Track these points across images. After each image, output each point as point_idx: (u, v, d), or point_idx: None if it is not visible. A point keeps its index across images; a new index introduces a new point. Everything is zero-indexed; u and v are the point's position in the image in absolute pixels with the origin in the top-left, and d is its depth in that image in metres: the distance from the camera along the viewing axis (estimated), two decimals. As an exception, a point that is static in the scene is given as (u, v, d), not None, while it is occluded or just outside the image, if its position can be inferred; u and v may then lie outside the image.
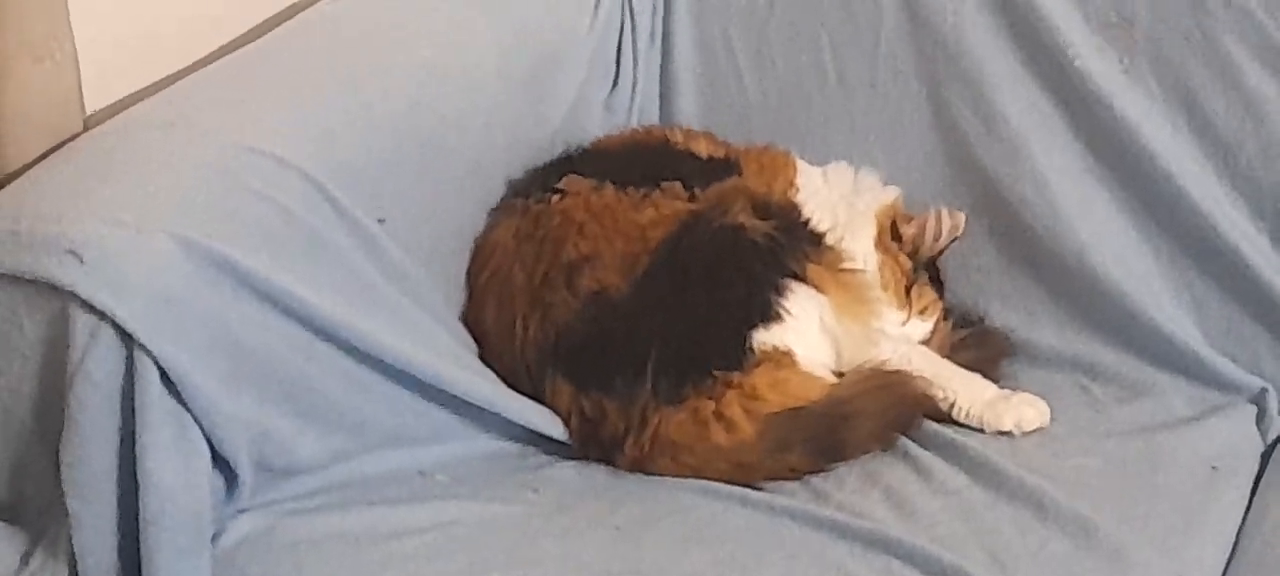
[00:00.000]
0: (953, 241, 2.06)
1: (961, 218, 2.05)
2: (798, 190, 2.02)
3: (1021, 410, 1.89)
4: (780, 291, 1.83)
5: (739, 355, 1.81)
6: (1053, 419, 1.90)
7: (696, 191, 1.90)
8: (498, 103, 1.95)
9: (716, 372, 1.80)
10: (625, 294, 1.83)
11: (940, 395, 1.90)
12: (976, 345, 2.02)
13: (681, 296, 1.82)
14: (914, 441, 1.85)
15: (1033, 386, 1.95)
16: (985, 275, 2.09)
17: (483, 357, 1.88)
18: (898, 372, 1.89)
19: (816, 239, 1.92)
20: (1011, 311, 2.07)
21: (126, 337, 1.52)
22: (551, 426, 1.84)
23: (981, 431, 1.88)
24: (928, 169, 2.12)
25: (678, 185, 1.91)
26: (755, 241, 1.84)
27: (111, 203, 1.56)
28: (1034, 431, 1.89)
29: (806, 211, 1.95)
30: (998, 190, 2.08)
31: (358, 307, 1.68)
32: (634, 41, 2.18)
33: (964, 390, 1.90)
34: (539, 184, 1.94)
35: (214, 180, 1.63)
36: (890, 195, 2.07)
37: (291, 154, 1.69)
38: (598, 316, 1.82)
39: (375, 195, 1.75)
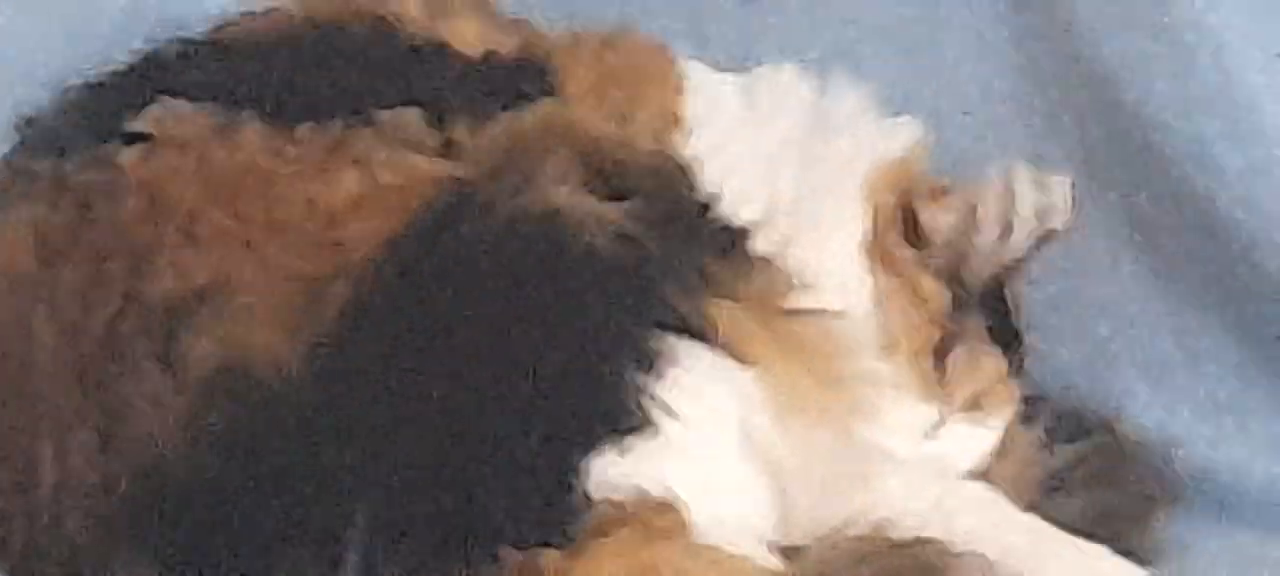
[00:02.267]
0: (1043, 242, 1.46)
1: (1065, 190, 1.47)
2: (687, 129, 1.44)
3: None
4: (647, 362, 1.20)
5: (557, 512, 1.18)
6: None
7: (457, 130, 1.30)
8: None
9: (503, 554, 1.17)
10: (294, 374, 1.19)
11: (1024, 604, 1.28)
12: (1100, 481, 1.44)
13: (420, 381, 1.19)
14: None
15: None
16: (1119, 315, 1.56)
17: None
18: (922, 545, 1.27)
19: (730, 239, 1.31)
20: (1180, 404, 1.54)
21: None
22: None
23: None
24: (991, 79, 1.58)
25: (413, 115, 1.30)
26: (592, 249, 1.23)
27: None
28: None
29: (709, 175, 1.37)
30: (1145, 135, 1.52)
31: None
32: None
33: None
34: (93, 126, 1.33)
35: None
36: (901, 140, 1.48)
37: None
38: (233, 429, 1.20)
39: None
